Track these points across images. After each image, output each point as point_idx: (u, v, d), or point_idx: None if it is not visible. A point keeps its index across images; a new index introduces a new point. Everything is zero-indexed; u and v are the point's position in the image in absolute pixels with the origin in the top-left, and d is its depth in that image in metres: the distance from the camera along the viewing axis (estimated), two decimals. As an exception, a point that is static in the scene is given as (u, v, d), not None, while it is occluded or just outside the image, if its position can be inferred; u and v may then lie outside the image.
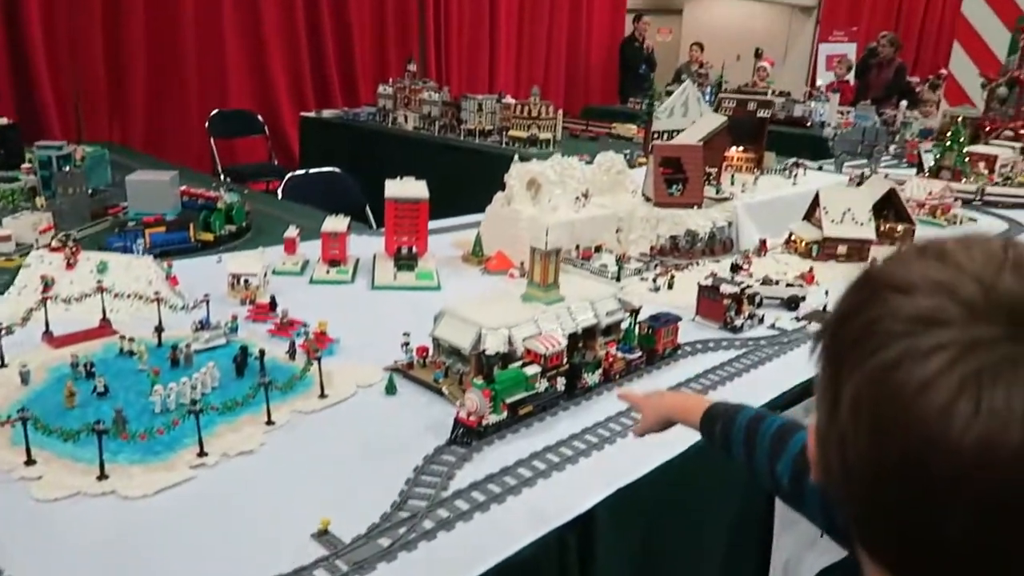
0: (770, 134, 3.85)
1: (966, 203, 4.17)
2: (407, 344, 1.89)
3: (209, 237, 2.90)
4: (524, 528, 1.32)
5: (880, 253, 0.68)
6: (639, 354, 1.94)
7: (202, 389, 1.68)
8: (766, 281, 2.49)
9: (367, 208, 4.43)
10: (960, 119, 5.58)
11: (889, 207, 3.31)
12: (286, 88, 7.44)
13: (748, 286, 2.31)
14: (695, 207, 3.00)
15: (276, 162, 6.99)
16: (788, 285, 2.49)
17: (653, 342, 1.98)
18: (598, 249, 2.76)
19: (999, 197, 4.31)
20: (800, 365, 2.05)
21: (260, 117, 6.91)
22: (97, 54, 6.11)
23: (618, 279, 2.58)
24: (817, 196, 3.13)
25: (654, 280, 2.63)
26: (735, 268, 2.58)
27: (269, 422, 1.60)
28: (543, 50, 10.02)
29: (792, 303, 2.45)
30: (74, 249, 2.25)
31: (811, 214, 3.17)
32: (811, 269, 2.75)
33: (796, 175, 3.73)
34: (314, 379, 1.74)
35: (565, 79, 10.39)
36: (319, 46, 7.61)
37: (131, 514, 1.31)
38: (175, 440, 1.49)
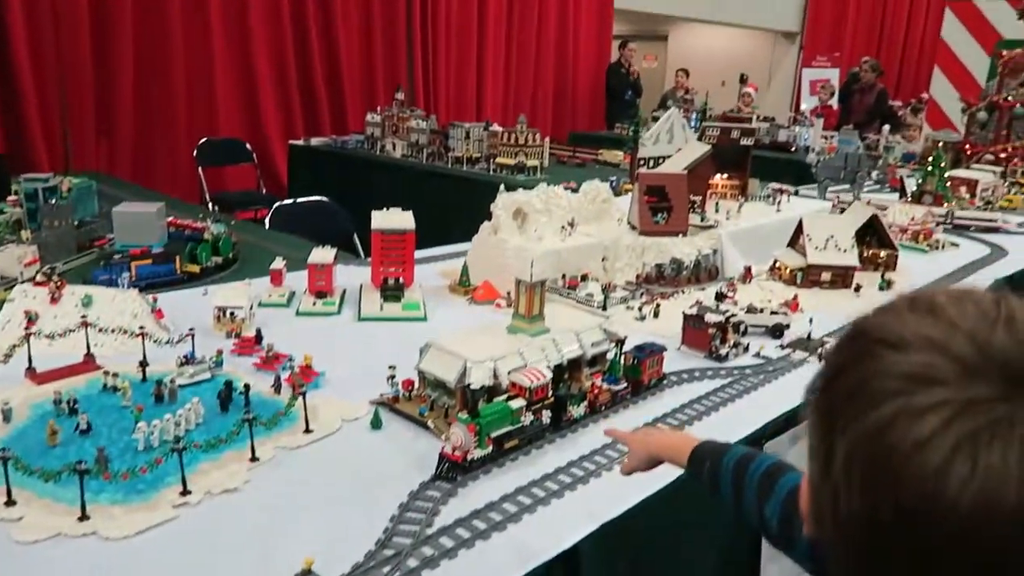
0: (755, 159, 3.88)
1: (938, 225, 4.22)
2: (393, 377, 1.89)
3: (195, 269, 2.90)
4: (509, 565, 1.32)
5: (866, 297, 0.69)
6: (624, 385, 1.94)
7: (186, 425, 1.67)
8: (751, 309, 2.50)
9: (355, 237, 4.44)
10: (941, 144, 5.66)
11: (872, 233, 3.35)
12: (275, 116, 7.47)
13: (733, 315, 2.32)
14: (680, 235, 3.03)
15: (264, 190, 7.01)
16: (773, 313, 2.50)
17: (639, 373, 1.98)
18: (584, 278, 2.78)
19: (969, 221, 4.36)
20: (785, 394, 2.06)
21: (248, 145, 6.92)
22: (86, 83, 6.11)
23: (604, 308, 2.59)
24: (801, 223, 3.16)
25: (640, 309, 2.64)
26: (720, 296, 2.60)
27: (253, 458, 1.59)
28: (530, 77, 10.11)
29: (777, 331, 2.46)
30: (59, 283, 2.24)
31: (795, 241, 3.20)
32: (795, 296, 2.77)
33: (780, 201, 3.77)
34: (299, 414, 1.74)
35: (552, 105, 10.47)
36: (308, 74, 7.65)
37: (112, 556, 1.30)
38: (158, 479, 1.48)
